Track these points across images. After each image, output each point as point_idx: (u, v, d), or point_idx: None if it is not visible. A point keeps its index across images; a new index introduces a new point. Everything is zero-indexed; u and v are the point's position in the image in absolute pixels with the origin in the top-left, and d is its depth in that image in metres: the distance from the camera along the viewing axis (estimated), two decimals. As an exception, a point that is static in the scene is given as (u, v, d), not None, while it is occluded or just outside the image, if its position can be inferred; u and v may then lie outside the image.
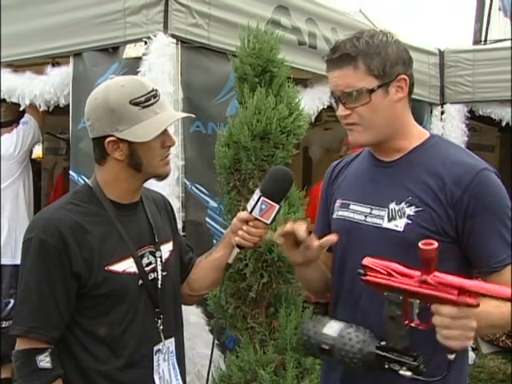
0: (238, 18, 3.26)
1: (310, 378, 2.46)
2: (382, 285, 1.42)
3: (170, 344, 1.80)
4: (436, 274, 1.36)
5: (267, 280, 2.55)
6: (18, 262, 1.80)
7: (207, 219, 3.17)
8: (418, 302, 1.43)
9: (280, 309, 2.56)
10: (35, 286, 1.64)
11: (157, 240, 1.81)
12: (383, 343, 1.47)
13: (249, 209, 1.74)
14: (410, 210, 1.61)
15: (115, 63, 3.19)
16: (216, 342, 2.93)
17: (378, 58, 1.60)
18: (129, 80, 1.76)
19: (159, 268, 1.78)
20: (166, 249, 1.85)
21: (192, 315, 2.86)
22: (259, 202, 1.71)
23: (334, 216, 1.79)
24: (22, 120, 4.27)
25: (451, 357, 1.39)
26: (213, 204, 3.15)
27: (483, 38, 6.84)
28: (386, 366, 1.45)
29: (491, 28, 6.94)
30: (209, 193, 3.13)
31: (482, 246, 1.60)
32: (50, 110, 3.74)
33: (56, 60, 3.61)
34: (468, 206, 1.57)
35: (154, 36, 2.99)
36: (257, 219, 1.73)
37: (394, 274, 1.41)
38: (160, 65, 2.96)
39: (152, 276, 1.77)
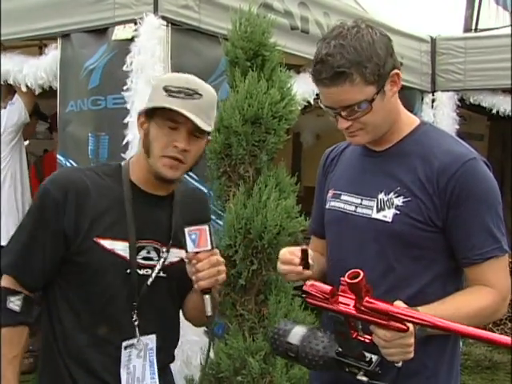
0: (230, 0, 3.21)
1: (299, 366, 2.44)
2: (324, 308, 1.44)
3: (148, 341, 1.73)
4: (368, 299, 1.37)
5: (257, 267, 2.52)
6: None
7: (196, 205, 3.13)
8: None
9: (270, 296, 2.54)
10: (30, 229, 1.70)
11: (171, 242, 1.75)
12: (341, 349, 1.48)
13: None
14: (399, 201, 1.60)
15: (104, 45, 3.13)
16: (205, 329, 2.91)
17: (370, 64, 1.53)
18: (181, 74, 1.76)
19: (158, 267, 1.72)
20: (176, 254, 1.76)
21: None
22: (187, 236, 1.60)
23: (327, 206, 1.78)
24: (10, 101, 4.21)
25: (398, 365, 1.43)
26: (202, 189, 3.11)
27: (474, 26, 6.81)
28: (347, 370, 1.48)
29: (482, 16, 6.92)
30: (198, 178, 3.09)
31: (464, 237, 1.57)
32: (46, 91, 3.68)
33: (43, 42, 3.54)
34: (452, 194, 1.55)
35: (144, 17, 2.93)
36: (196, 253, 1.61)
37: (330, 299, 1.43)
38: (150, 48, 2.91)
39: (147, 271, 1.71)
